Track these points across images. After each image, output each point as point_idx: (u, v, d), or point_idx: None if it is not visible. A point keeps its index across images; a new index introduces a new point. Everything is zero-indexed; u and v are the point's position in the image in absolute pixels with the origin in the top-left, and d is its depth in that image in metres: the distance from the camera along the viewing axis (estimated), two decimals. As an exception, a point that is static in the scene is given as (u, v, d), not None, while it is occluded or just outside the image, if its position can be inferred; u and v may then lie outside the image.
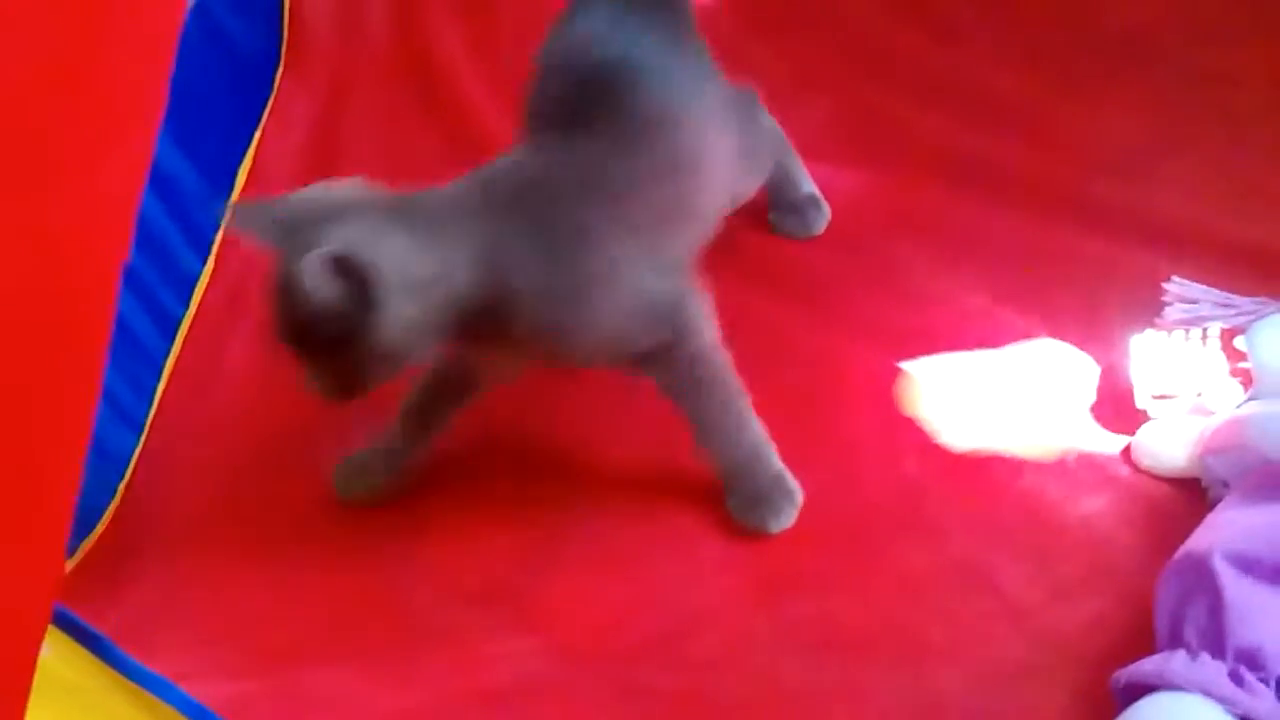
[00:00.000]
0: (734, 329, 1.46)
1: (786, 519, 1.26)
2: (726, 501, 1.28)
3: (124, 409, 1.42)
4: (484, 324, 1.17)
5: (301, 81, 1.83)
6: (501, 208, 1.20)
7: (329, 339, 1.10)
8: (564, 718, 1.15)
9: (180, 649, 1.18)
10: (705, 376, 1.25)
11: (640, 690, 1.16)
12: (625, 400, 1.41)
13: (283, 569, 1.30)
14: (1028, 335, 1.41)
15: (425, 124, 1.81)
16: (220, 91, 1.69)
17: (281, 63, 1.85)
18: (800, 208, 1.56)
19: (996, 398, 1.36)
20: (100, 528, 1.36)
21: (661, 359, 1.23)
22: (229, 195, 1.65)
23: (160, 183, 1.50)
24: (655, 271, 1.24)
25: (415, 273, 1.12)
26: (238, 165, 1.68)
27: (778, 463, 1.28)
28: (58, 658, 0.88)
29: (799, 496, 1.27)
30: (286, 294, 1.09)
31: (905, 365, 1.40)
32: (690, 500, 1.32)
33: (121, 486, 1.39)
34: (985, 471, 1.29)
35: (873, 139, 1.68)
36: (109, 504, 1.38)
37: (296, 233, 1.10)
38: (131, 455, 1.43)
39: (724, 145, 1.35)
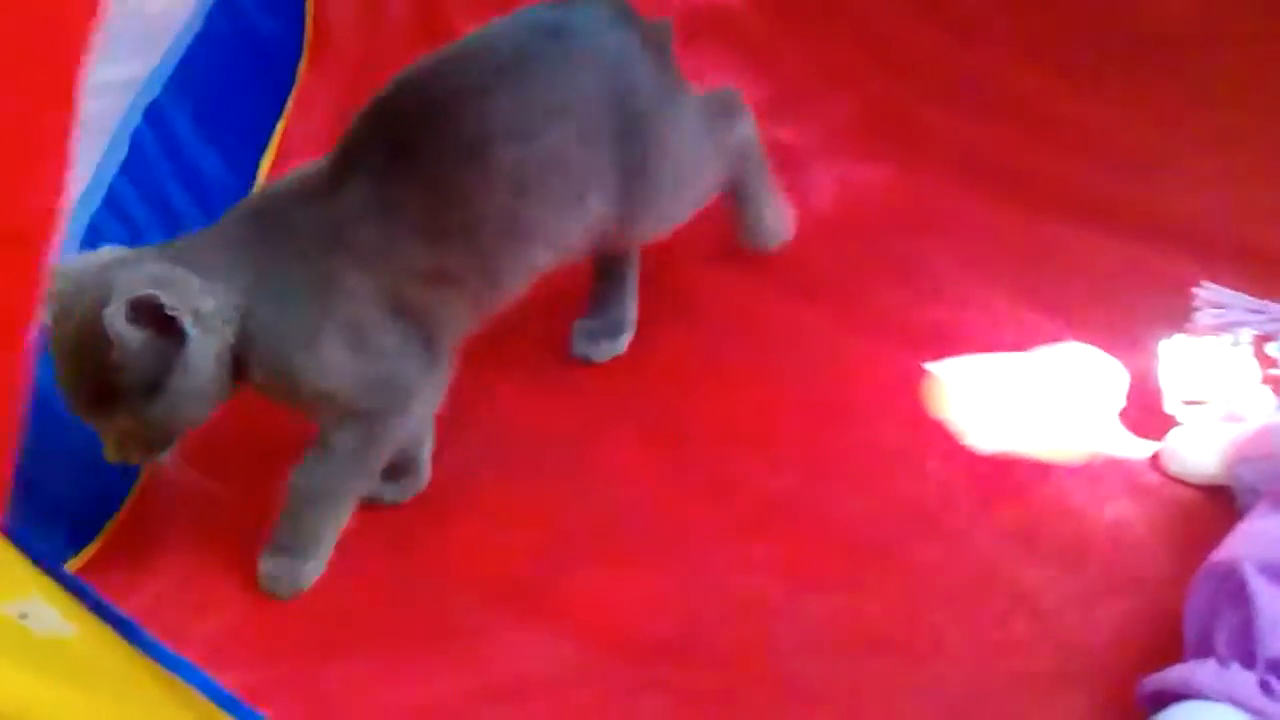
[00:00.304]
0: (756, 327, 1.47)
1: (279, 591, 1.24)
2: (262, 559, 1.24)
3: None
4: (237, 364, 1.17)
5: (323, 73, 1.82)
6: (265, 243, 1.18)
7: (139, 388, 1.10)
8: (582, 714, 1.15)
9: (199, 637, 1.18)
10: (365, 456, 1.22)
11: (658, 688, 1.16)
12: (646, 397, 1.41)
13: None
14: (1054, 338, 1.39)
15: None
16: (243, 82, 1.68)
17: (304, 54, 1.85)
18: (754, 227, 1.48)
19: (1023, 400, 1.35)
20: (121, 513, 1.35)
21: (363, 420, 1.21)
22: (252, 185, 1.64)
23: (185, 172, 1.50)
24: (400, 345, 1.21)
25: (205, 307, 1.13)
26: (260, 156, 1.68)
27: (323, 554, 1.24)
28: (82, 640, 0.88)
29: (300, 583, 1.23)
30: (90, 351, 1.09)
31: (929, 366, 1.39)
32: (710, 498, 1.31)
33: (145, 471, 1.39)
34: (1010, 474, 1.29)
35: (897, 137, 1.67)
36: (131, 488, 1.37)
37: (80, 295, 1.10)
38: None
39: (575, 201, 1.27)
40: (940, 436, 1.33)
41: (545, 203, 1.25)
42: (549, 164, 1.24)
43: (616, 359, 1.45)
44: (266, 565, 1.24)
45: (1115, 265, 1.45)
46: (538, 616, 1.22)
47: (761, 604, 1.21)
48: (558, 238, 1.28)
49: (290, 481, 1.24)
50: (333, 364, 1.19)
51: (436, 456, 1.36)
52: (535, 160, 1.23)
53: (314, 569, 1.24)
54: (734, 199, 1.47)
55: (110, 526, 1.32)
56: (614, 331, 1.44)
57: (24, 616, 0.86)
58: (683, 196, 1.39)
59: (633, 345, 1.46)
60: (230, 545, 1.29)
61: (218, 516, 1.33)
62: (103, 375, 1.09)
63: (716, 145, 1.42)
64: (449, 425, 1.37)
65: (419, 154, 1.20)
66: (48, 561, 0.84)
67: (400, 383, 1.22)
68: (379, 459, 1.24)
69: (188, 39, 1.57)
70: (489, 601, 1.24)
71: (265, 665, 1.16)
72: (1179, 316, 1.34)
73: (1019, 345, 1.40)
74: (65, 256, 1.32)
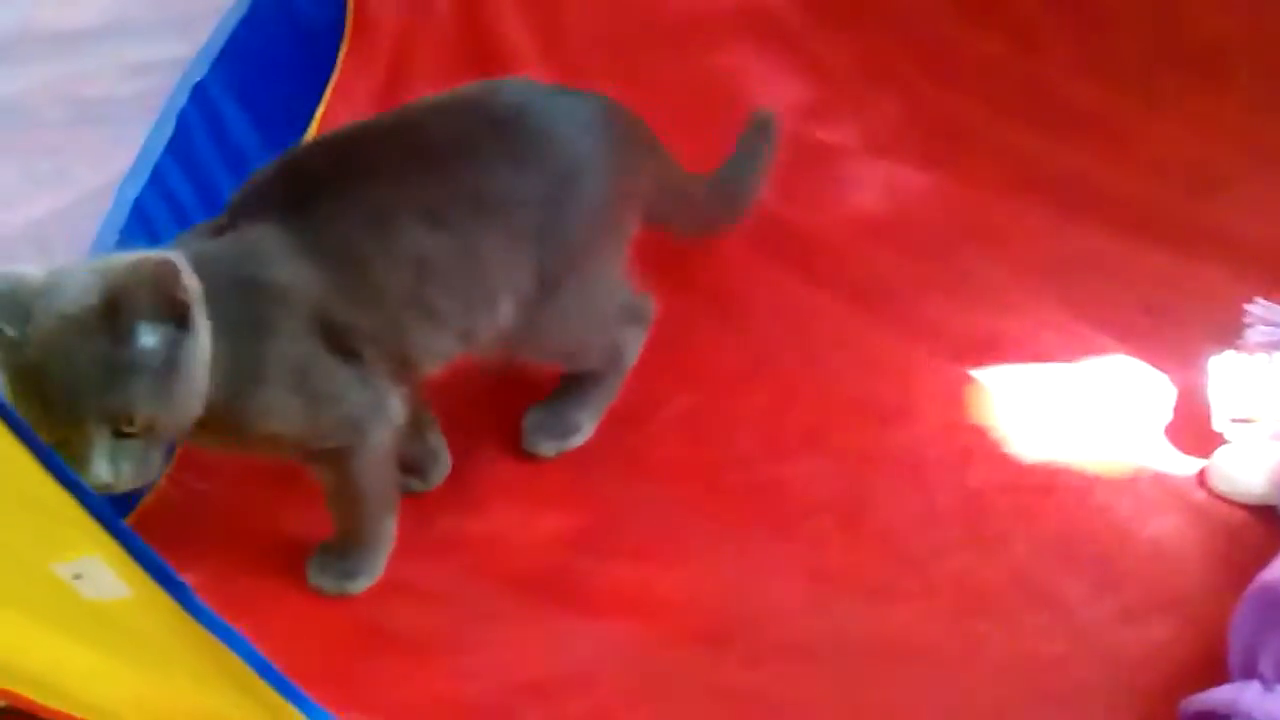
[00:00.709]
0: (800, 328, 1.46)
1: (333, 590, 1.24)
2: (313, 555, 1.26)
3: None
4: None
5: (364, 58, 1.82)
6: (210, 281, 1.09)
7: (148, 377, 1.02)
8: (614, 710, 1.14)
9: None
10: (355, 489, 1.21)
11: (689, 686, 1.15)
12: (688, 394, 1.40)
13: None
14: (1101, 351, 1.38)
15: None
16: (286, 65, 1.68)
17: (345, 39, 1.85)
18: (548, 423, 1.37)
19: (1068, 412, 1.34)
20: (146, 501, 1.34)
21: (331, 460, 1.19)
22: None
23: (229, 153, 1.49)
24: (343, 381, 1.17)
25: (196, 293, 1.06)
26: (300, 139, 1.67)
27: (378, 560, 1.25)
28: (134, 604, 0.87)
29: (356, 586, 1.24)
30: (90, 342, 1.00)
31: (974, 373, 1.38)
32: (749, 494, 1.30)
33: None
34: (1054, 486, 1.28)
35: (944, 142, 1.66)
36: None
37: (53, 293, 1.02)
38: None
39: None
40: (984, 445, 1.31)
41: (454, 294, 1.20)
42: (461, 256, 1.19)
43: (661, 355, 1.44)
44: (321, 581, 1.25)
45: (1165, 279, 1.44)
46: (572, 609, 1.22)
47: (798, 606, 1.20)
48: (468, 331, 1.23)
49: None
50: (279, 407, 1.14)
51: (472, 450, 1.36)
52: (446, 249, 1.19)
53: (365, 581, 1.25)
54: (562, 387, 1.38)
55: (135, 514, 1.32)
56: (566, 431, 1.36)
57: (78, 577, 0.86)
58: (579, 335, 1.33)
59: (677, 341, 1.45)
60: (257, 538, 1.30)
61: (245, 509, 1.32)
62: (105, 368, 1.01)
63: (619, 319, 1.37)
64: (486, 420, 1.38)
65: (320, 210, 1.16)
66: (109, 517, 0.84)
67: (348, 421, 1.18)
68: (376, 482, 1.22)
69: (233, 21, 1.56)
70: (522, 593, 1.24)
71: (298, 656, 1.14)
72: (1229, 332, 1.32)
73: (1066, 356, 1.39)
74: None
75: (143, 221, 1.23)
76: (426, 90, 1.80)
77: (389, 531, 1.26)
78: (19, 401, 1.00)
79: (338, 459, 1.19)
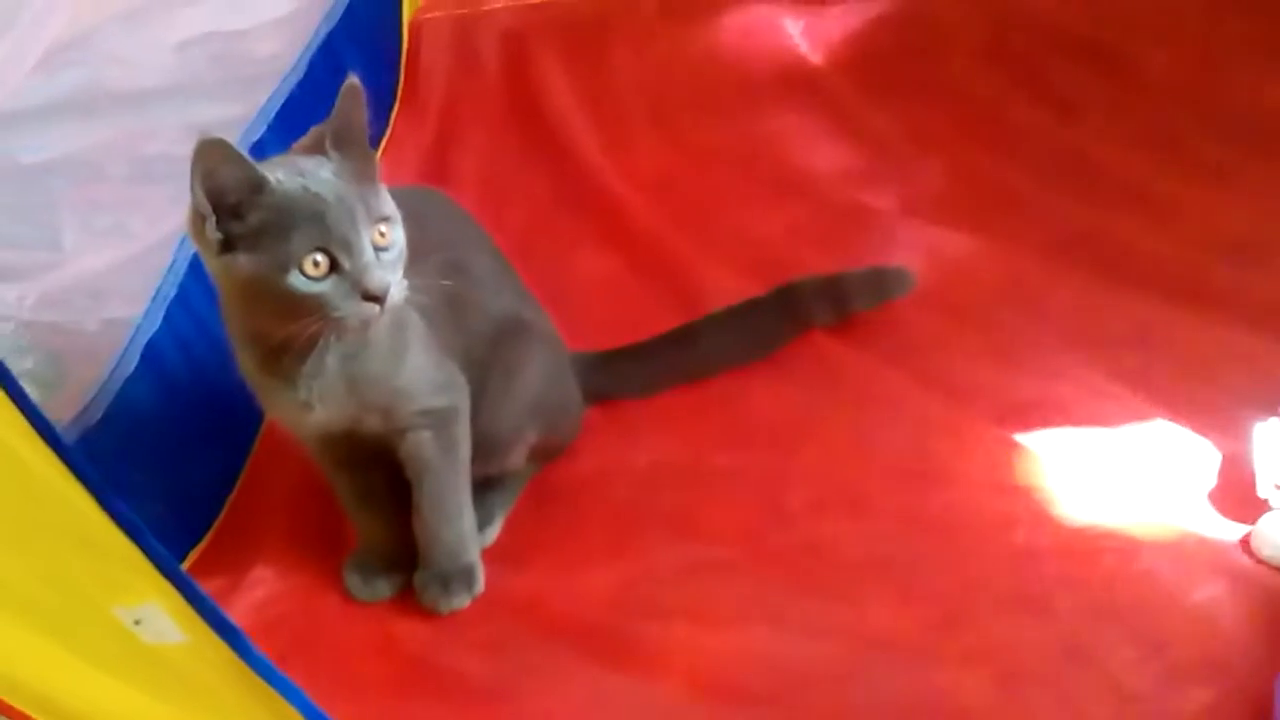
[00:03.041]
0: (848, 389, 1.47)
1: (458, 604, 1.29)
2: (415, 575, 1.30)
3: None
4: None
5: (415, 118, 1.88)
6: None
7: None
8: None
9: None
10: (455, 454, 1.28)
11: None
12: (737, 452, 1.41)
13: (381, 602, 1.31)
14: (1145, 416, 1.38)
15: (532, 168, 1.84)
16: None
17: (398, 99, 1.89)
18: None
19: (1113, 476, 1.34)
20: (202, 546, 1.37)
21: (434, 421, 1.26)
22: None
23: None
24: (439, 354, 1.27)
25: None
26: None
27: (474, 554, 1.31)
28: (191, 650, 0.89)
29: (478, 587, 1.30)
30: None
31: (1018, 437, 1.38)
32: (793, 555, 1.31)
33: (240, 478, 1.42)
34: (1098, 550, 1.27)
35: (987, 208, 1.68)
36: (207, 529, 1.39)
37: None
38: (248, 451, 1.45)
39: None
40: (1029, 509, 1.31)
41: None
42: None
43: (707, 416, 1.46)
44: (429, 597, 1.29)
45: (1209, 346, 1.44)
46: (614, 667, 1.22)
47: (841, 668, 1.20)
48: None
49: (416, 533, 1.28)
50: (417, 358, 1.23)
51: (516, 505, 1.38)
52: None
53: (469, 595, 1.30)
54: None
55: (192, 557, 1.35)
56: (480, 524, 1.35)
57: (137, 623, 0.88)
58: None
59: (722, 402, 1.47)
60: (314, 579, 1.32)
61: (294, 550, 1.35)
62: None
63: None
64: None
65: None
66: (167, 563, 0.85)
67: (456, 381, 1.27)
68: (467, 453, 1.28)
69: (291, 83, 1.60)
70: (567, 646, 1.24)
71: (352, 699, 1.16)
72: (1273, 400, 1.32)
73: (1110, 421, 1.39)
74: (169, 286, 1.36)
75: (202, 277, 1.25)
76: (474, 150, 1.85)
77: (475, 529, 1.31)
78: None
79: (445, 419, 1.26)
